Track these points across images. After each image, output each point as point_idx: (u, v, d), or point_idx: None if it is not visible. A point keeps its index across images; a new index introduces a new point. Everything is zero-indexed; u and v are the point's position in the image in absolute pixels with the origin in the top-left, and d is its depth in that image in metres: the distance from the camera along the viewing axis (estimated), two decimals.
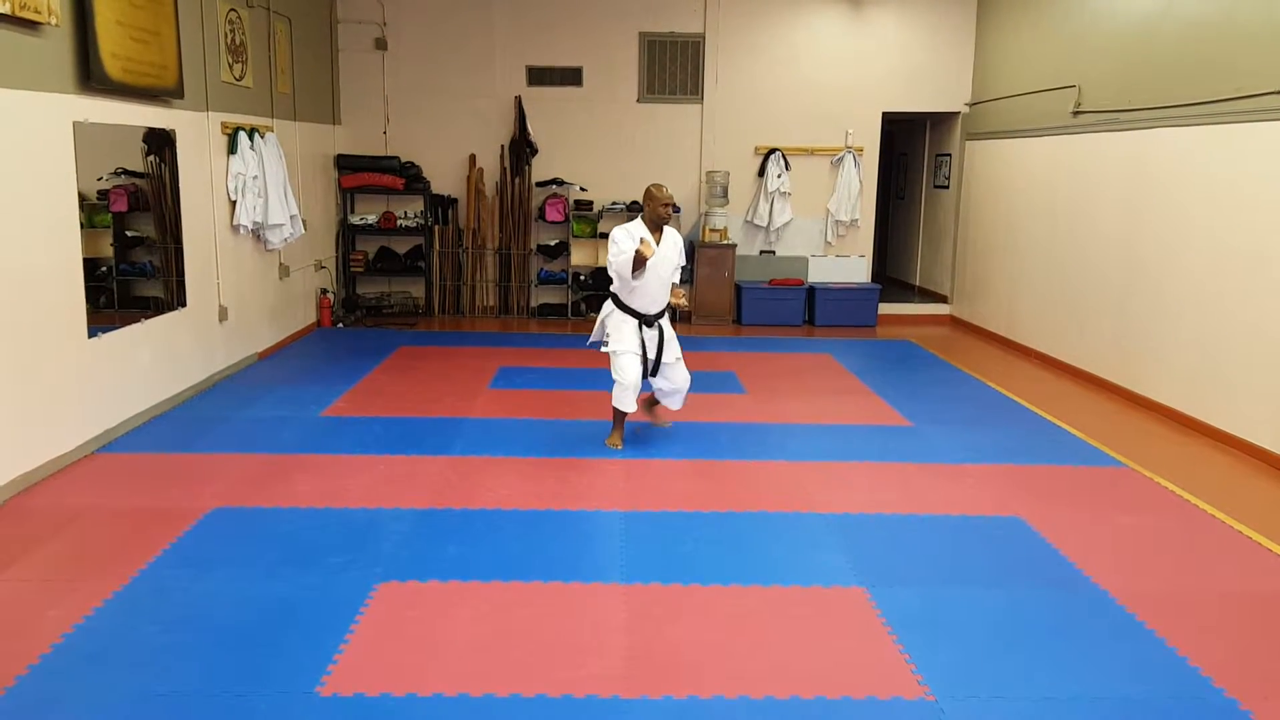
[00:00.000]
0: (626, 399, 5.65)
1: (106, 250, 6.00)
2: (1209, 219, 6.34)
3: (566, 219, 10.09)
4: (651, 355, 5.61)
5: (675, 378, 5.73)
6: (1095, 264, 7.73)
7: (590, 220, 10.19)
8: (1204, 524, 4.81)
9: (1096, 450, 5.96)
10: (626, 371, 5.59)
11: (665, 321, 5.68)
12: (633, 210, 10.11)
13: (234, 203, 7.25)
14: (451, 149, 10.18)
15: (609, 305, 5.69)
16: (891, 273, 12.60)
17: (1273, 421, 5.76)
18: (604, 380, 7.34)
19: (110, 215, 5.99)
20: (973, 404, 7.07)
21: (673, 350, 5.68)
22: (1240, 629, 3.73)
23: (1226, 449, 6.05)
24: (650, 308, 5.59)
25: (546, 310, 10.38)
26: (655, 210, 5.56)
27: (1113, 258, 7.48)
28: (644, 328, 5.59)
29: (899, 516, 4.79)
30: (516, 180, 10.10)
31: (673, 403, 5.85)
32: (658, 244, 5.53)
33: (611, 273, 5.53)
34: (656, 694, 3.17)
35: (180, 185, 6.44)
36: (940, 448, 5.89)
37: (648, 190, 5.60)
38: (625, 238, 5.48)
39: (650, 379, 5.73)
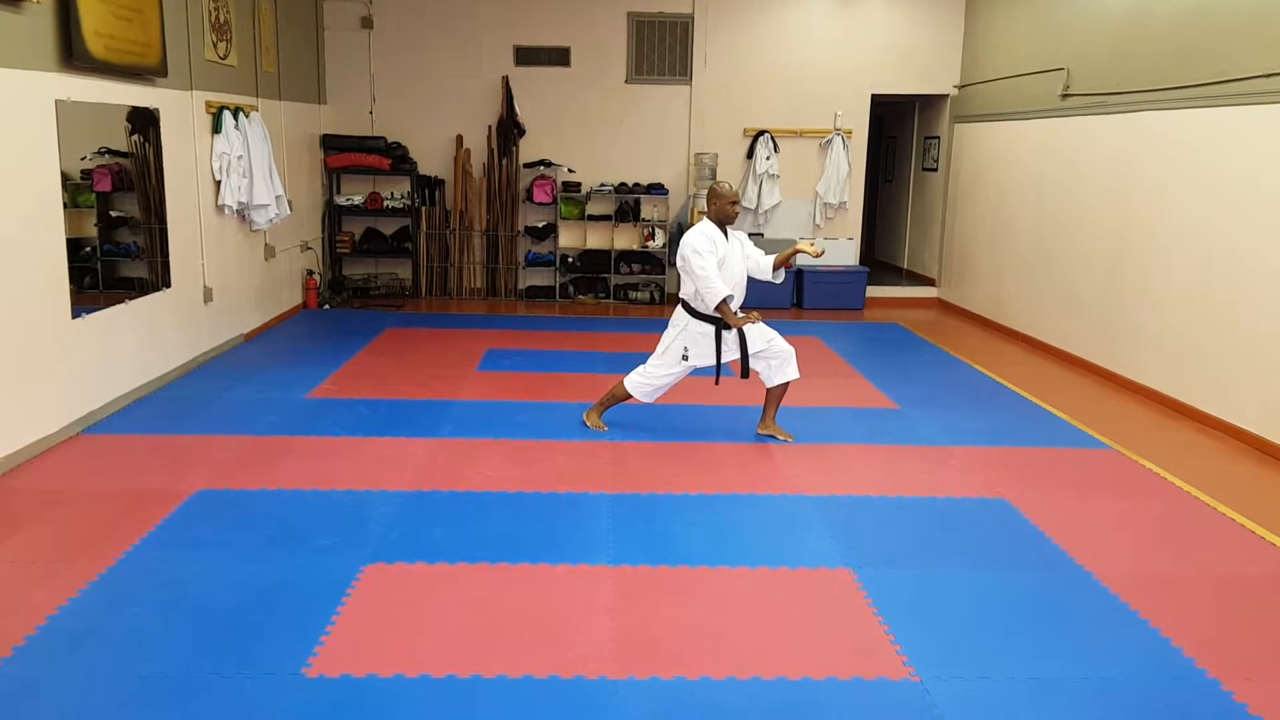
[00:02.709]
0: (643, 391, 5.56)
1: (90, 230, 5.95)
2: (1196, 202, 6.36)
3: (554, 200, 10.05)
4: (733, 356, 5.41)
5: (779, 350, 5.47)
6: (1082, 247, 7.75)
7: (578, 202, 10.15)
8: (1188, 507, 4.84)
9: (1082, 433, 5.99)
10: (658, 372, 5.49)
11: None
12: (621, 192, 10.09)
13: (219, 183, 7.19)
14: (438, 129, 10.11)
15: (682, 315, 5.46)
16: (880, 256, 12.60)
17: (1257, 405, 5.79)
18: (592, 363, 7.35)
19: (94, 195, 5.94)
20: (959, 387, 7.09)
21: (760, 335, 5.42)
22: (1223, 611, 3.77)
23: (1211, 432, 6.09)
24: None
25: (534, 292, 10.35)
26: (723, 209, 5.30)
27: (1100, 241, 7.50)
28: (722, 331, 5.38)
29: (885, 499, 4.80)
30: (504, 161, 10.05)
31: (790, 371, 5.52)
32: (725, 242, 5.32)
33: (702, 288, 5.23)
34: (644, 675, 3.18)
35: (164, 165, 6.39)
36: (927, 430, 5.91)
37: (711, 189, 5.36)
38: (709, 251, 5.22)
39: (744, 378, 5.52)
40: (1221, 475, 5.32)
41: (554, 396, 6.41)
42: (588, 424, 5.74)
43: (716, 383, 5.64)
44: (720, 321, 5.35)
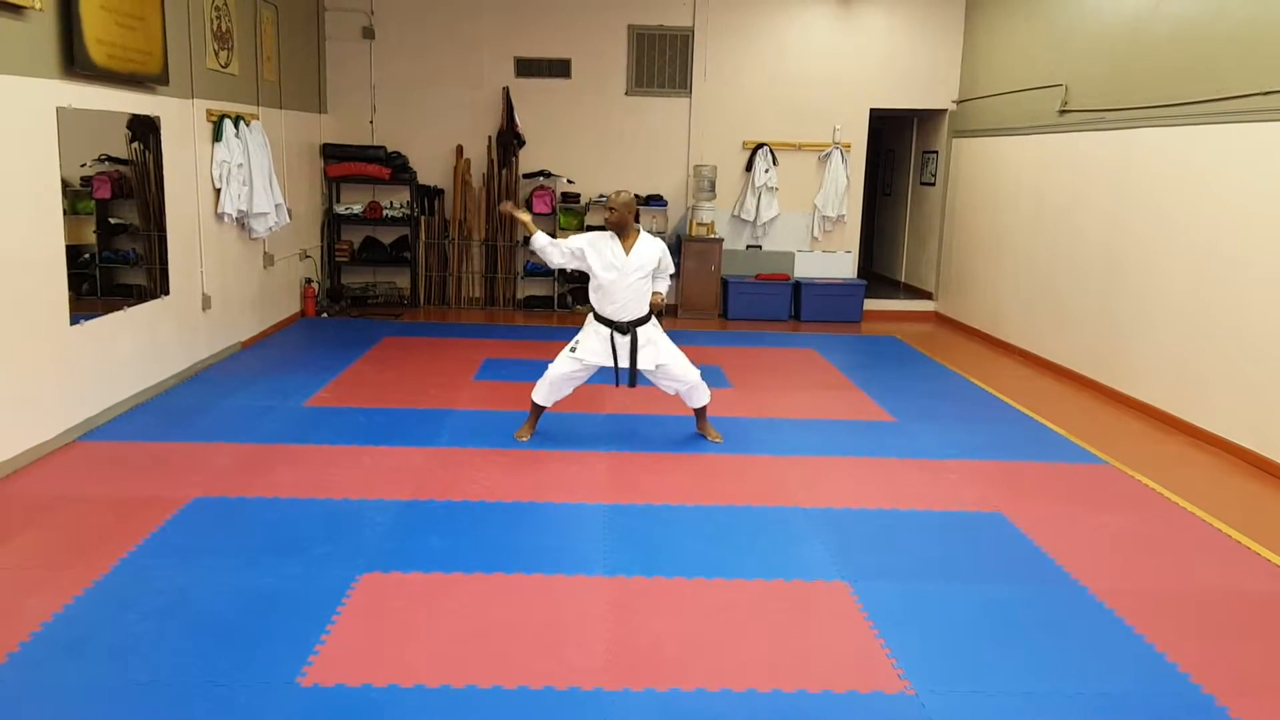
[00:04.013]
0: (540, 391, 5.64)
1: (89, 237, 5.96)
2: (1192, 219, 6.38)
3: (554, 211, 10.07)
4: (623, 363, 5.50)
5: (675, 377, 5.59)
6: (1079, 262, 7.77)
7: (577, 212, 10.17)
8: (1183, 522, 4.85)
9: (1078, 447, 6.00)
10: (553, 366, 5.59)
11: (648, 328, 5.54)
12: None
13: (218, 191, 7.20)
14: (438, 139, 10.14)
15: (590, 314, 5.63)
16: (877, 269, 12.63)
17: (1251, 420, 5.81)
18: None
19: (93, 202, 5.95)
20: (956, 400, 7.10)
21: (652, 357, 5.52)
22: (1217, 626, 3.77)
23: (1206, 447, 6.10)
24: (619, 315, 5.46)
25: (532, 302, 10.37)
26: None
27: (1096, 256, 7.52)
28: (617, 335, 5.48)
29: (882, 511, 4.81)
30: (503, 172, 10.07)
31: (696, 399, 5.72)
32: (628, 252, 5.43)
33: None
34: (639, 686, 3.18)
35: (164, 173, 6.40)
36: (923, 443, 5.91)
37: None
38: (583, 245, 5.50)
39: (629, 387, 5.63)
40: (1217, 491, 5.33)
41: (551, 406, 6.39)
42: (515, 436, 5.74)
43: (616, 385, 5.67)
44: (615, 324, 5.48)
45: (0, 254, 4.76)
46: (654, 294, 5.59)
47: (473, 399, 6.59)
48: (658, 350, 5.55)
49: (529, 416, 5.77)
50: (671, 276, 5.75)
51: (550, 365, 5.63)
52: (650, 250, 5.52)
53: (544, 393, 5.65)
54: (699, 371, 5.68)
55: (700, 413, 5.82)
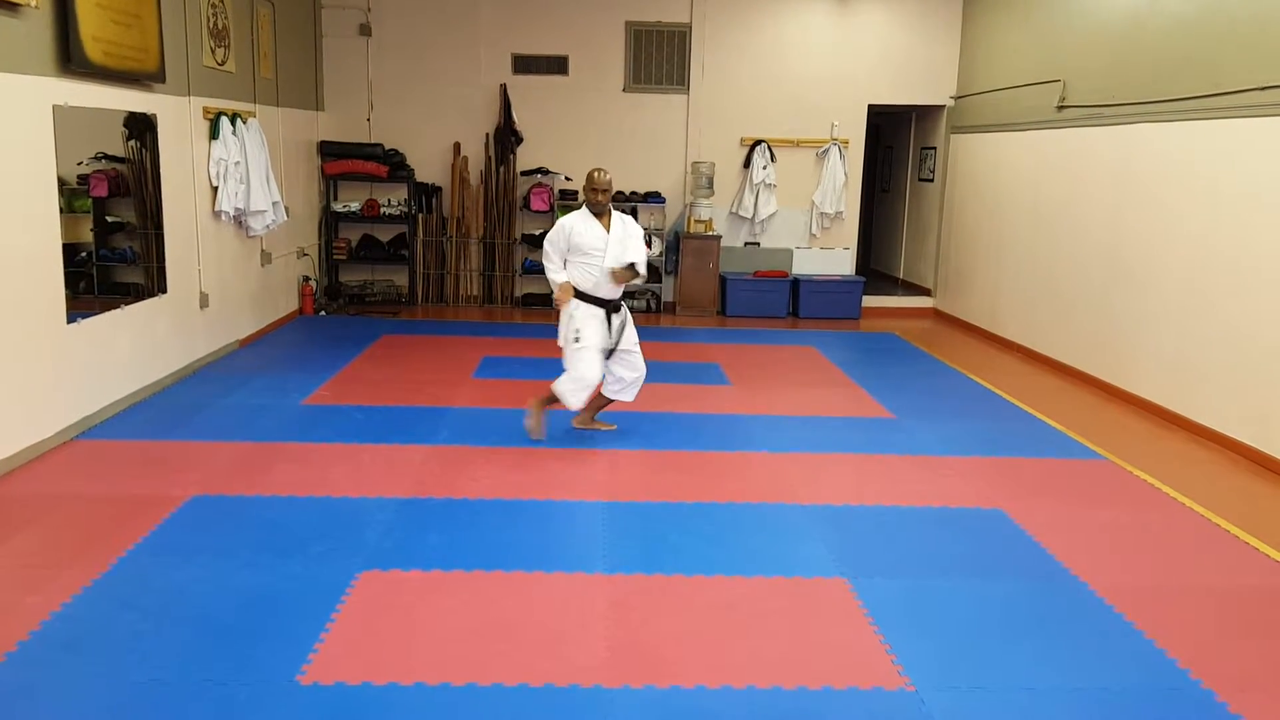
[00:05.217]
0: (578, 397, 5.52)
1: (86, 236, 5.94)
2: (1191, 214, 6.38)
3: (551, 208, 10.06)
4: (615, 344, 5.52)
5: (636, 364, 5.61)
6: (1078, 258, 7.77)
7: (575, 210, 10.14)
8: (1183, 518, 4.85)
9: (1077, 444, 6.00)
10: (589, 367, 5.44)
11: (625, 310, 5.60)
12: (617, 201, 10.09)
13: (216, 189, 7.18)
14: (436, 137, 10.13)
15: (573, 301, 5.53)
16: (875, 265, 12.63)
17: (1251, 417, 5.81)
18: None
19: (90, 200, 5.93)
20: (955, 397, 7.10)
21: (632, 336, 5.59)
22: (1217, 622, 3.77)
23: (1206, 444, 6.10)
24: (614, 293, 5.51)
25: (530, 300, 10.36)
26: (588, 197, 5.47)
27: (1095, 252, 7.52)
28: (610, 316, 5.50)
29: (881, 508, 4.80)
30: (501, 169, 10.06)
31: (628, 394, 5.68)
32: (607, 230, 5.42)
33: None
34: (638, 683, 3.18)
35: (161, 171, 6.38)
36: (922, 440, 5.91)
37: (587, 174, 5.50)
38: (555, 238, 5.46)
39: (608, 363, 5.59)
40: (1216, 487, 5.33)
41: (550, 404, 6.40)
42: (532, 436, 5.67)
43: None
44: (608, 304, 5.47)
45: None
46: (628, 266, 5.42)
47: (471, 397, 6.58)
48: (630, 331, 5.59)
49: (534, 413, 5.69)
50: (651, 267, 5.70)
51: (574, 370, 5.44)
52: (627, 225, 5.51)
53: (582, 397, 5.54)
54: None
55: (605, 403, 5.77)
